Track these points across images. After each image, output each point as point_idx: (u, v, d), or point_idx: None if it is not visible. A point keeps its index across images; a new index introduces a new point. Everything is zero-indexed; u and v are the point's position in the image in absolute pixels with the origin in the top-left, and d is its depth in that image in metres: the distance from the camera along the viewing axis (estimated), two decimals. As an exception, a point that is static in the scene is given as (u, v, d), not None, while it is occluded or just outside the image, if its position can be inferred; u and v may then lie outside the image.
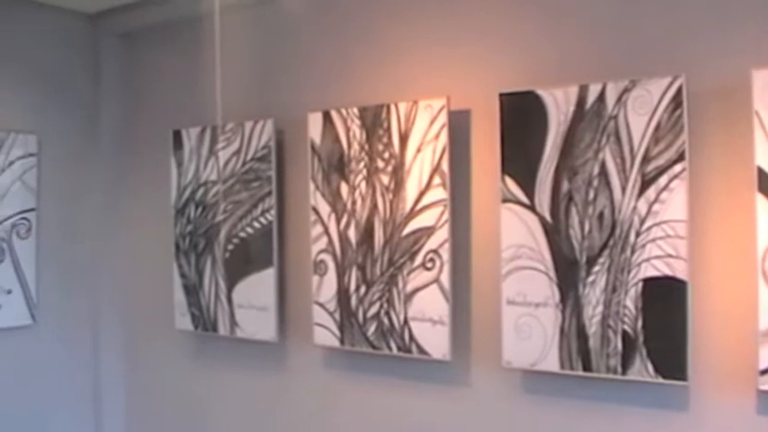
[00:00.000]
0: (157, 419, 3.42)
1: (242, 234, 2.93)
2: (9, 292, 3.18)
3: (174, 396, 3.34)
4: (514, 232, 2.31)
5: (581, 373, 2.20)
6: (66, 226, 3.41)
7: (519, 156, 2.31)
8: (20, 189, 3.23)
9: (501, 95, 2.33)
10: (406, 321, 2.54)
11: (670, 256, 2.07)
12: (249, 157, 2.90)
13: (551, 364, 2.25)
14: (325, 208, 2.73)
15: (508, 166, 2.32)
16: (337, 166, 2.70)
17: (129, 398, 3.52)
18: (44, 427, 3.30)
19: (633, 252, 2.12)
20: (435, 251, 2.48)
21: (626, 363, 2.13)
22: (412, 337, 2.53)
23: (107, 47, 3.51)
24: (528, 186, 2.29)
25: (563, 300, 2.23)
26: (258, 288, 2.88)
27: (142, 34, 3.48)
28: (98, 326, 3.51)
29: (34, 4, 3.26)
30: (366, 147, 2.64)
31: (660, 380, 2.08)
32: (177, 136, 3.18)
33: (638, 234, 2.12)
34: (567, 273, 2.22)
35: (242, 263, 2.93)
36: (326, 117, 2.72)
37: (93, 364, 3.51)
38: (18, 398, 3.21)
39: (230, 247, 2.96)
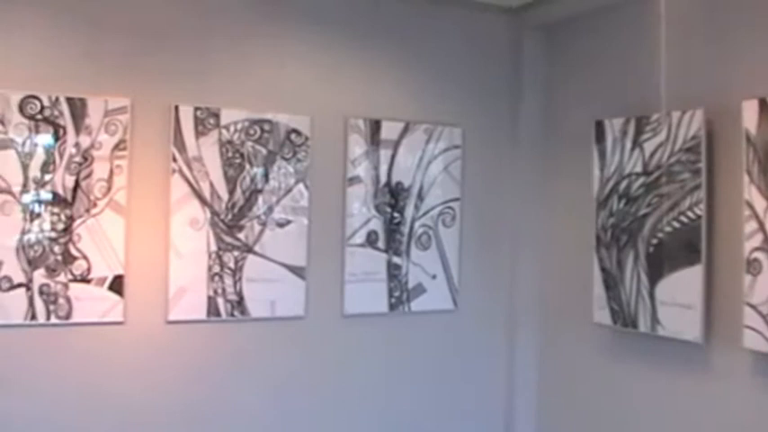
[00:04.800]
0: (568, 409, 5.31)
1: (667, 228, 4.52)
2: (434, 277, 5.39)
3: (587, 388, 5.15)
4: None
5: None
6: (488, 215, 5.54)
7: None
8: (445, 179, 5.42)
9: None
10: None
11: None
12: (676, 148, 4.46)
13: None
14: (761, 203, 4.01)
15: None
16: (775, 158, 3.92)
17: (542, 386, 5.52)
18: (458, 406, 5.50)
19: None
20: None
21: None
22: None
23: (528, 40, 5.57)
24: None
25: None
26: (683, 285, 4.37)
27: (563, 25, 5.39)
28: (514, 314, 5.60)
29: (459, 2, 5.40)
30: (808, 136, 3.79)
31: None
32: (600, 126, 4.95)
33: None
34: None
35: (666, 258, 4.47)
36: (763, 105, 4.01)
37: (508, 351, 5.63)
38: (438, 377, 5.46)
39: (654, 241, 4.59)
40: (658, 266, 4.55)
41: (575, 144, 5.30)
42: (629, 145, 4.74)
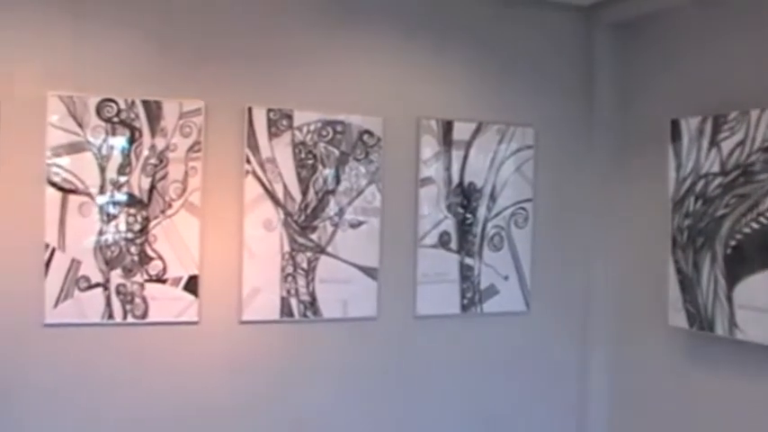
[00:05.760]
0: (642, 414, 5.25)
1: (746, 230, 4.44)
2: (506, 278, 5.39)
3: (662, 392, 5.08)
4: None
5: None
6: (561, 216, 5.51)
7: None
8: (517, 180, 5.41)
9: None
10: None
11: None
12: (755, 147, 4.39)
13: None
14: (843, 203, 3.97)
15: None
16: None
17: (615, 389, 5.46)
18: (529, 409, 5.51)
19: None
20: None
21: None
22: None
23: (600, 38, 5.55)
24: None
25: None
26: (762, 288, 4.29)
27: (637, 23, 5.34)
28: (587, 316, 5.57)
29: (531, 1, 5.39)
30: None
31: None
32: (675, 126, 4.88)
33: None
34: None
35: (745, 260, 4.40)
36: None
37: (581, 354, 5.61)
38: (509, 379, 5.46)
39: (732, 243, 4.52)
40: (736, 269, 4.48)
41: (649, 143, 5.25)
42: (705, 144, 4.67)
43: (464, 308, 5.33)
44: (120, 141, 4.55)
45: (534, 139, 5.50)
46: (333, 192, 4.98)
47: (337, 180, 5.00)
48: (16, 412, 4.43)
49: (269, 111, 4.84)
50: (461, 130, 5.31)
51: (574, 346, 5.68)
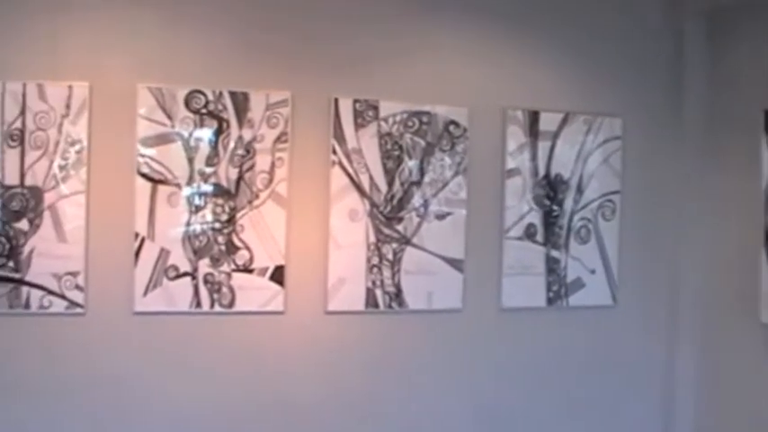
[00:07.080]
0: (731, 414, 5.09)
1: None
2: (593, 272, 5.27)
3: (753, 392, 4.90)
4: None
5: None
6: (649, 209, 5.39)
7: None
8: (605, 171, 5.28)
9: None
10: None
11: None
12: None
13: None
14: None
15: None
16: None
17: (702, 389, 5.30)
18: (615, 404, 5.36)
19: None
20: None
21: None
22: None
23: (690, 27, 5.36)
24: None
25: None
26: None
27: (729, 12, 5.15)
28: (676, 312, 5.40)
29: (616, -11, 5.26)
30: None
31: None
32: (770, 116, 4.71)
33: None
34: None
35: None
36: None
37: (668, 350, 5.45)
38: (594, 373, 5.34)
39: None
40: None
41: (741, 134, 5.06)
42: (807, 134, 4.47)
43: (550, 301, 5.23)
44: (207, 133, 4.57)
45: (622, 130, 5.37)
46: (418, 183, 4.93)
47: (423, 171, 4.91)
48: (106, 399, 4.49)
49: (355, 101, 4.81)
50: (548, 121, 5.20)
51: (661, 342, 5.53)
